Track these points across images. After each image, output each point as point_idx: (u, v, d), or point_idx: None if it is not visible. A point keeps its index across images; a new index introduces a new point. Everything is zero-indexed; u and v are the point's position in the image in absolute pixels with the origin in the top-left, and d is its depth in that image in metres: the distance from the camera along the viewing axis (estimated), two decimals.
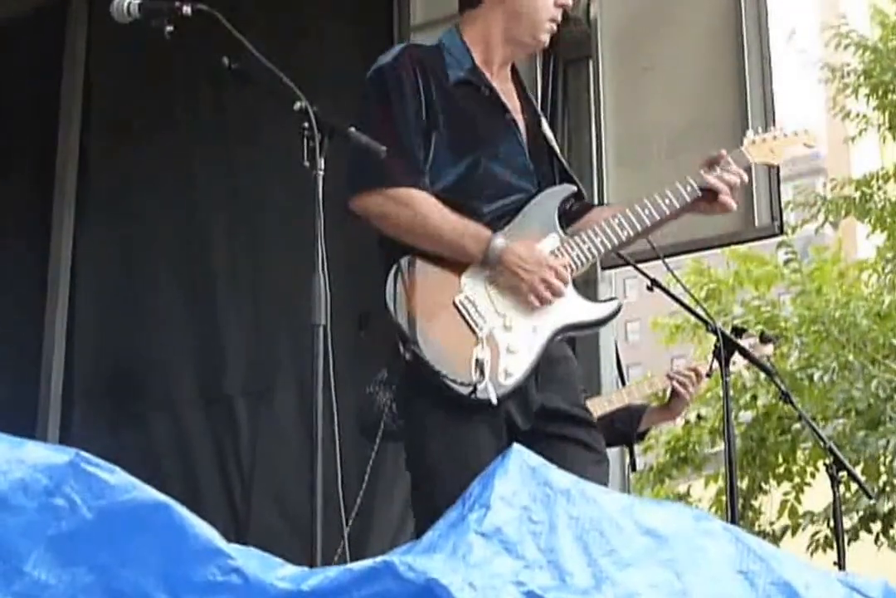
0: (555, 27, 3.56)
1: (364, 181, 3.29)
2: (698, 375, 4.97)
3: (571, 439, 3.35)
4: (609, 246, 3.42)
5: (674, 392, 5.02)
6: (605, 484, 3.28)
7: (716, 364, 4.27)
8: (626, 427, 5.07)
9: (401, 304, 3.24)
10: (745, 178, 3.51)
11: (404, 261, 3.29)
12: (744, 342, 4.84)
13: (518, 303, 3.31)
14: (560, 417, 3.37)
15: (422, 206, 3.29)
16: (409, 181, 3.31)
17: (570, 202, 3.51)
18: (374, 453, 3.30)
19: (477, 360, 3.21)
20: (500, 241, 3.28)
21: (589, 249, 3.40)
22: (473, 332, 3.25)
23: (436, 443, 3.27)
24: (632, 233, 3.42)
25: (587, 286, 5.84)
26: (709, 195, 3.46)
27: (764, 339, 4.98)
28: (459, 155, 3.39)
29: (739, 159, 3.54)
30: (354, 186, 3.31)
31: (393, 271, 3.28)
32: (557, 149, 3.62)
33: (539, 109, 3.71)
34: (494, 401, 3.19)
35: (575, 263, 3.39)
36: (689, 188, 3.46)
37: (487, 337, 3.25)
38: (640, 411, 5.12)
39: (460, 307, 3.28)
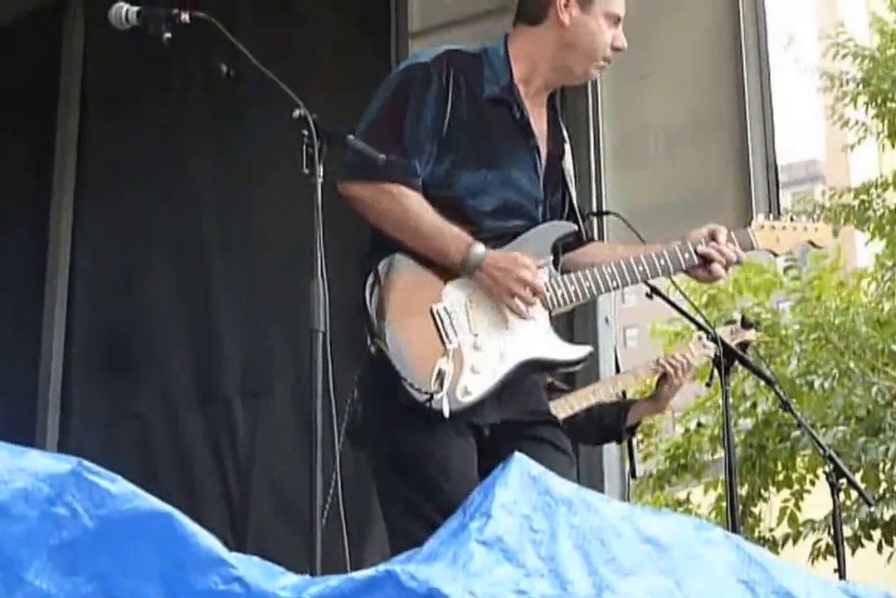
0: (606, 65, 3.55)
1: (360, 170, 3.24)
2: (689, 362, 4.94)
3: (538, 438, 3.35)
4: (594, 293, 3.42)
5: (661, 380, 4.98)
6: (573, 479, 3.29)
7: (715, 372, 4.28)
8: (614, 422, 5.05)
9: (377, 298, 3.23)
10: (743, 258, 3.50)
11: (393, 257, 3.28)
12: (724, 330, 4.84)
13: (493, 325, 3.30)
14: (521, 424, 3.36)
15: (411, 201, 3.28)
16: (404, 179, 3.29)
17: (567, 240, 3.50)
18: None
19: (439, 370, 3.19)
20: (480, 247, 3.27)
21: (575, 291, 3.38)
22: (443, 343, 3.24)
23: (399, 434, 3.25)
24: (620, 285, 3.43)
25: None
26: (702, 261, 3.46)
27: (745, 324, 4.96)
28: (475, 168, 3.37)
29: (744, 241, 3.52)
30: (350, 172, 3.28)
31: (380, 265, 3.26)
32: (572, 185, 3.60)
33: (566, 139, 3.67)
34: (447, 415, 3.17)
35: (557, 301, 3.37)
36: (686, 255, 3.45)
37: (455, 351, 3.24)
38: (626, 404, 5.10)
39: (436, 316, 3.27)
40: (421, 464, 3.22)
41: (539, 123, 3.52)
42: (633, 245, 3.62)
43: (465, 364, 3.24)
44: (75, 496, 1.95)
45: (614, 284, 3.41)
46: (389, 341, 3.19)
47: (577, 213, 3.58)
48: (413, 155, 3.31)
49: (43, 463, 1.99)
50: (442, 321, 3.26)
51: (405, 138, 3.30)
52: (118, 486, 1.96)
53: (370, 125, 3.31)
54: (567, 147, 3.65)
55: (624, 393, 5.20)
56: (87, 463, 1.98)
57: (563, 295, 3.37)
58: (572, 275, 3.40)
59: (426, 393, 3.16)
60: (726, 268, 3.47)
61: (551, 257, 3.42)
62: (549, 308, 3.37)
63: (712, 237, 3.46)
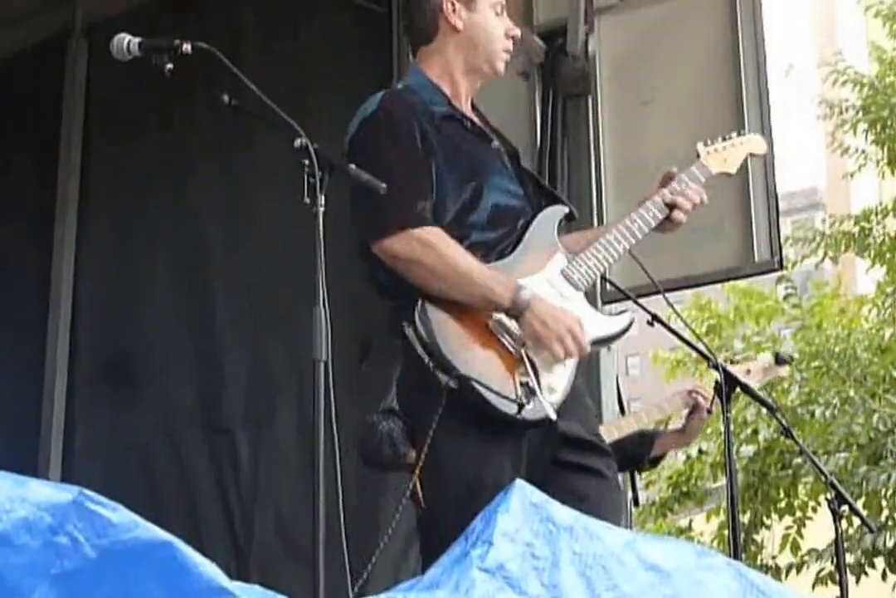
0: (509, 56, 3.64)
1: (387, 222, 3.27)
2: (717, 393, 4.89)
3: (591, 469, 3.36)
4: (612, 260, 3.52)
5: (691, 412, 4.92)
6: (620, 512, 3.29)
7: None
8: (638, 451, 4.99)
9: (432, 330, 3.23)
10: (705, 197, 3.65)
11: (424, 299, 3.29)
12: (757, 364, 4.84)
13: None
14: (580, 445, 3.38)
15: (448, 248, 3.29)
16: (422, 222, 3.31)
17: (563, 222, 3.58)
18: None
19: (521, 382, 3.23)
20: (528, 291, 3.30)
21: (595, 264, 3.48)
22: (509, 353, 3.27)
23: (453, 474, 3.25)
24: (627, 246, 3.53)
25: None
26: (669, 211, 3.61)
27: (779, 360, 4.95)
28: (459, 188, 3.41)
29: (702, 171, 3.69)
30: (377, 229, 3.30)
31: (420, 305, 3.26)
32: (534, 171, 3.78)
33: (504, 136, 3.76)
34: (553, 416, 3.22)
35: (587, 276, 3.46)
36: (662, 204, 3.60)
37: (525, 358, 3.27)
38: (653, 435, 5.05)
39: (494, 330, 3.29)
40: (483, 488, 3.16)
41: (484, 128, 3.62)
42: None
43: (538, 366, 3.28)
44: (77, 526, 1.95)
45: (621, 246, 3.51)
46: (466, 369, 3.20)
47: (557, 195, 3.72)
48: (426, 193, 3.35)
49: (44, 493, 1.99)
50: (502, 334, 3.29)
51: (413, 179, 3.34)
52: (119, 515, 1.96)
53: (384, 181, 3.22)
54: (511, 145, 3.75)
55: None
56: (88, 492, 1.98)
57: (586, 271, 3.47)
58: (586, 252, 3.49)
59: (515, 402, 3.18)
60: (694, 208, 3.62)
61: (559, 245, 3.50)
62: (580, 289, 3.45)
63: (663, 184, 3.63)
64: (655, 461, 5.11)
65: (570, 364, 3.35)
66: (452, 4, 3.57)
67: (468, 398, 3.18)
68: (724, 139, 3.79)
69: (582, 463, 3.36)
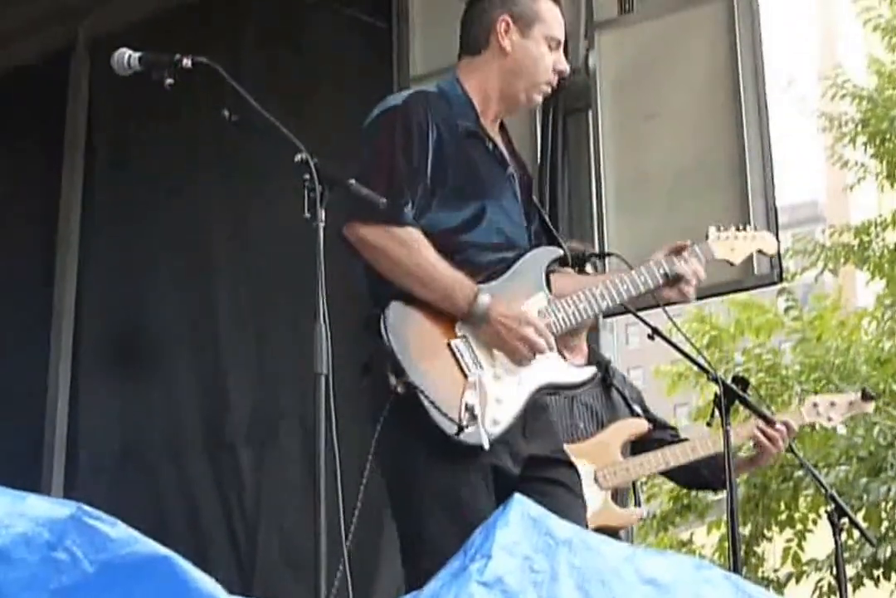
0: (549, 90, 3.58)
1: (366, 214, 3.25)
2: (789, 428, 4.80)
3: (553, 481, 3.37)
4: (590, 313, 3.50)
5: (759, 445, 4.80)
6: (584, 525, 3.29)
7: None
8: (712, 473, 4.96)
9: (397, 337, 3.23)
10: (703, 275, 3.61)
11: (398, 303, 3.29)
12: (843, 397, 4.82)
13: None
14: (544, 462, 3.40)
15: (420, 247, 3.29)
16: (410, 222, 3.31)
17: (556, 264, 3.56)
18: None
19: (467, 404, 3.21)
20: (486, 296, 3.29)
21: (573, 312, 3.46)
22: (464, 375, 3.26)
23: (424, 480, 3.26)
24: (611, 304, 3.52)
25: (588, 334, 5.86)
26: (670, 281, 3.57)
27: (865, 396, 4.92)
28: (464, 203, 3.40)
29: (706, 251, 3.68)
30: (356, 216, 3.29)
31: (392, 306, 3.27)
32: (543, 210, 3.70)
33: (525, 164, 3.74)
34: (486, 446, 3.20)
35: (559, 324, 3.44)
36: (661, 270, 3.56)
37: (478, 383, 3.26)
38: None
39: (454, 350, 3.28)
40: (451, 504, 3.21)
41: (505, 153, 3.58)
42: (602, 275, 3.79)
43: (489, 395, 3.26)
44: (75, 541, 1.95)
45: (604, 303, 3.49)
46: (418, 378, 3.19)
47: (557, 237, 3.65)
48: (413, 196, 3.33)
49: (43, 508, 1.99)
50: (462, 355, 3.28)
51: (405, 180, 3.32)
52: (118, 530, 1.95)
53: (365, 174, 3.24)
54: (529, 176, 3.72)
55: None
56: (86, 508, 1.98)
57: (563, 318, 3.44)
58: (568, 298, 3.46)
59: (457, 424, 3.17)
60: (696, 287, 3.60)
61: (545, 285, 3.47)
62: (553, 332, 3.41)
63: (675, 253, 3.58)
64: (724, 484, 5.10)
65: (521, 400, 3.32)
66: (507, 25, 3.51)
67: (412, 406, 3.18)
68: (738, 229, 3.80)
69: (546, 476, 3.37)
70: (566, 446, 4.56)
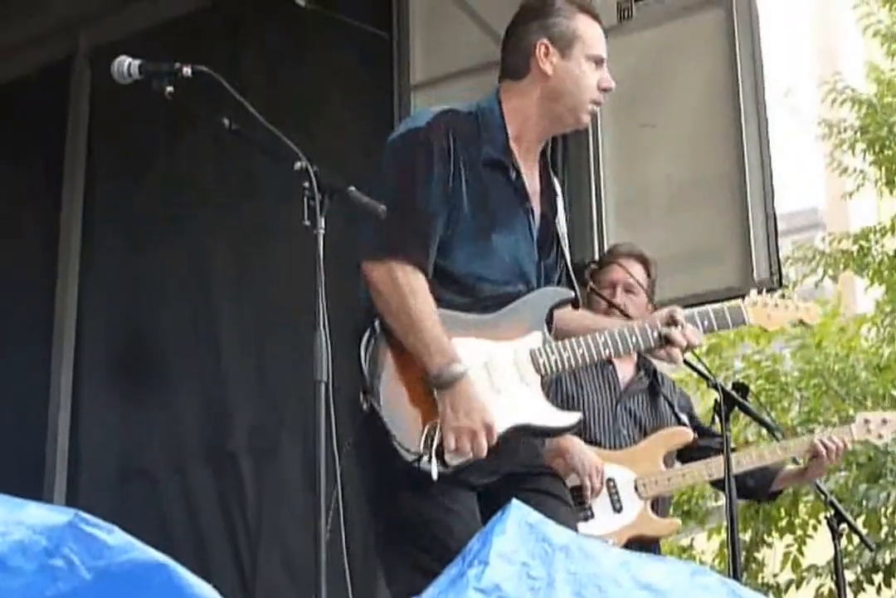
0: (597, 109, 3.50)
1: (380, 246, 3.23)
2: (845, 445, 4.78)
3: (540, 491, 3.33)
4: (587, 361, 3.42)
5: (815, 456, 4.79)
6: (574, 529, 3.27)
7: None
8: (759, 484, 4.96)
9: (373, 356, 3.21)
10: (702, 342, 3.54)
11: None
12: (877, 417, 4.81)
13: (486, 389, 3.25)
14: (524, 476, 3.35)
15: (415, 295, 3.22)
16: (418, 254, 3.26)
17: (563, 306, 3.49)
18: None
19: (428, 431, 3.17)
20: (459, 367, 3.19)
21: (568, 358, 3.37)
22: (435, 403, 3.20)
23: (399, 496, 3.24)
24: (613, 354, 3.46)
25: None
26: (665, 342, 3.48)
27: None
28: (474, 235, 3.34)
29: (736, 316, 3.59)
30: (370, 249, 3.27)
31: (377, 325, 3.24)
32: (566, 245, 3.58)
33: (559, 193, 3.66)
34: (434, 477, 3.14)
35: (550, 366, 3.35)
36: (655, 334, 3.47)
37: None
38: (775, 471, 5.01)
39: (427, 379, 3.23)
40: (425, 525, 3.20)
41: (532, 183, 3.50)
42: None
43: None
44: (72, 548, 1.95)
45: (606, 352, 3.42)
46: (382, 399, 3.17)
47: (571, 277, 3.58)
48: (428, 224, 3.28)
49: (40, 515, 1.99)
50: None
51: (420, 207, 3.27)
52: (115, 537, 1.95)
53: (386, 206, 3.13)
54: (560, 203, 3.63)
55: None
56: (83, 515, 1.98)
57: (556, 361, 3.35)
58: (566, 342, 3.38)
59: (414, 454, 3.14)
60: (684, 351, 3.50)
61: (545, 326, 3.40)
62: (542, 374, 3.35)
63: (672, 319, 3.47)
64: (774, 495, 5.09)
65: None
66: (546, 48, 3.44)
67: (376, 426, 3.16)
68: (783, 296, 3.79)
69: (532, 486, 3.33)
70: (608, 453, 4.58)
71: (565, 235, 3.61)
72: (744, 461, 4.73)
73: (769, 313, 3.67)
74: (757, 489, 4.98)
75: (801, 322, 3.81)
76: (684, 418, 4.86)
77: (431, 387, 3.20)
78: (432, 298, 3.25)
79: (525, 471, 3.36)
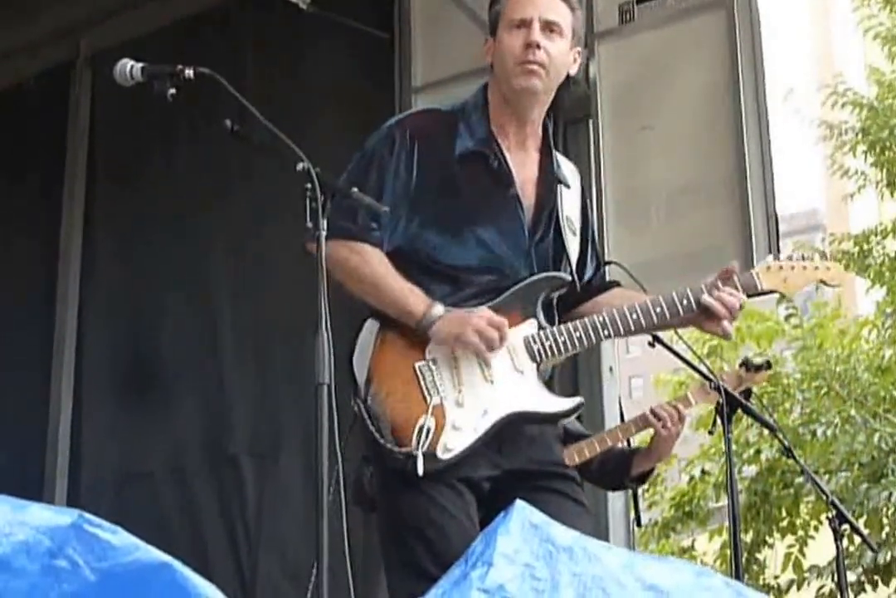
0: (532, 68, 3.41)
1: (332, 228, 3.11)
2: (679, 412, 4.78)
3: (553, 490, 3.32)
4: (585, 344, 3.34)
5: (654, 432, 4.79)
6: (589, 534, 3.25)
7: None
8: (617, 471, 4.95)
9: (363, 357, 3.24)
10: (745, 302, 3.37)
11: (375, 319, 3.30)
12: (730, 375, 4.76)
13: (478, 380, 3.26)
14: (531, 475, 3.33)
15: (374, 259, 3.29)
16: (374, 239, 3.31)
17: (561, 289, 3.45)
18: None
19: (419, 427, 3.17)
20: (439, 307, 3.24)
21: (564, 342, 3.32)
22: (424, 399, 3.21)
23: (392, 497, 3.26)
24: (612, 335, 3.36)
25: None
26: (708, 313, 3.35)
27: (750, 366, 4.81)
28: (449, 227, 3.35)
29: (748, 282, 3.41)
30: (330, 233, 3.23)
31: (367, 325, 3.28)
32: (567, 230, 3.51)
33: (566, 178, 3.59)
34: (420, 473, 3.14)
35: (546, 353, 3.32)
36: (685, 302, 3.36)
37: (436, 408, 3.21)
38: (631, 453, 4.99)
39: (417, 373, 3.24)
40: (417, 525, 3.20)
41: (524, 170, 3.48)
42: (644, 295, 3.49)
43: (446, 421, 3.20)
44: (76, 549, 1.95)
45: (605, 333, 3.33)
46: (373, 400, 3.19)
47: (569, 258, 3.50)
48: (389, 218, 3.30)
49: (44, 516, 1.99)
50: (424, 378, 3.24)
51: (368, 190, 3.25)
52: (119, 538, 1.96)
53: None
54: (566, 189, 3.57)
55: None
56: (87, 516, 1.98)
57: (550, 347, 3.31)
58: (563, 326, 3.34)
59: (401, 453, 3.15)
60: (731, 319, 3.35)
61: (541, 312, 3.37)
62: (536, 361, 3.32)
63: (724, 281, 3.36)
64: (641, 479, 5.02)
65: (482, 429, 3.23)
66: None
67: (365, 428, 3.19)
68: (803, 258, 3.54)
69: (544, 485, 3.31)
70: None
71: (572, 218, 3.55)
72: (586, 450, 4.71)
73: (785, 276, 3.48)
74: (617, 475, 4.91)
75: (823, 283, 3.60)
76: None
77: (419, 366, 3.23)
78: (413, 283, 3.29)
79: (536, 469, 3.34)
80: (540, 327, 3.35)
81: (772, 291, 3.54)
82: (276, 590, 6.24)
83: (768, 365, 4.91)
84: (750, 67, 5.88)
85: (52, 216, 7.60)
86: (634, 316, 3.34)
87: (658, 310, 3.34)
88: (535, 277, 3.40)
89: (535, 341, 3.32)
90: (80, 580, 1.94)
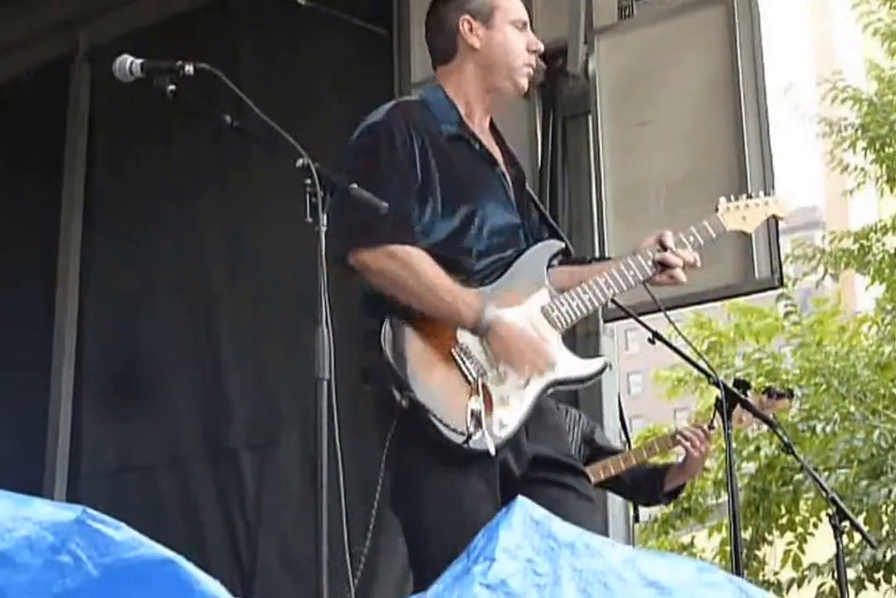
0: (532, 72, 3.59)
1: (364, 237, 3.28)
2: (704, 432, 4.93)
3: (564, 485, 3.36)
4: (596, 304, 3.49)
5: (686, 452, 4.97)
6: (598, 530, 3.27)
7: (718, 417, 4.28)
8: (650, 488, 5.05)
9: (397, 351, 3.24)
10: (699, 260, 3.56)
11: (394, 315, 3.30)
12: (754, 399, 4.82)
13: None
14: (552, 464, 3.38)
15: (420, 265, 3.30)
16: (406, 239, 3.32)
17: (557, 257, 3.55)
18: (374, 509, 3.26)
19: (472, 411, 3.22)
20: (492, 310, 3.30)
21: (577, 305, 3.45)
22: (467, 382, 3.26)
23: (431, 493, 3.26)
24: (617, 291, 3.50)
25: (588, 339, 5.86)
26: (661, 267, 3.53)
27: (771, 394, 4.92)
28: (452, 211, 3.40)
29: (716, 226, 3.63)
30: (353, 242, 3.30)
31: (389, 321, 3.28)
32: (540, 204, 3.68)
33: (516, 159, 3.73)
34: (493, 451, 3.20)
35: (564, 318, 3.44)
36: (649, 263, 3.53)
37: (481, 388, 3.26)
38: (663, 470, 5.08)
39: (456, 357, 3.29)
40: (457, 512, 3.20)
41: (494, 150, 3.58)
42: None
43: (493, 398, 3.27)
44: (79, 544, 1.95)
45: (611, 291, 3.48)
46: (418, 392, 3.20)
47: (557, 229, 3.64)
48: (406, 210, 3.33)
49: (47, 511, 1.99)
50: (463, 361, 3.29)
51: (394, 196, 3.25)
52: (122, 533, 1.95)
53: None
54: (522, 170, 3.72)
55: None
56: (91, 511, 1.98)
57: (567, 311, 3.44)
58: (572, 291, 3.46)
59: (463, 434, 3.18)
60: (685, 269, 3.54)
61: (547, 281, 3.47)
62: (557, 327, 3.43)
63: (661, 243, 3.53)
64: (674, 494, 5.13)
65: (528, 400, 3.33)
66: (469, 23, 3.57)
67: (416, 420, 3.19)
68: (749, 197, 3.75)
69: (555, 480, 3.36)
70: None
71: (533, 193, 3.72)
72: (612, 467, 4.87)
73: (743, 215, 3.70)
74: (650, 492, 5.05)
75: (775, 217, 3.85)
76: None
77: (459, 355, 3.27)
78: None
79: (556, 459, 3.40)
80: (552, 296, 3.45)
81: (738, 230, 3.72)
82: (275, 581, 6.25)
83: (790, 394, 5.05)
84: (749, 63, 5.88)
85: (51, 209, 7.60)
86: (631, 272, 3.50)
87: (649, 263, 3.52)
88: (537, 246, 3.51)
89: (552, 309, 3.43)
90: (83, 576, 1.94)
